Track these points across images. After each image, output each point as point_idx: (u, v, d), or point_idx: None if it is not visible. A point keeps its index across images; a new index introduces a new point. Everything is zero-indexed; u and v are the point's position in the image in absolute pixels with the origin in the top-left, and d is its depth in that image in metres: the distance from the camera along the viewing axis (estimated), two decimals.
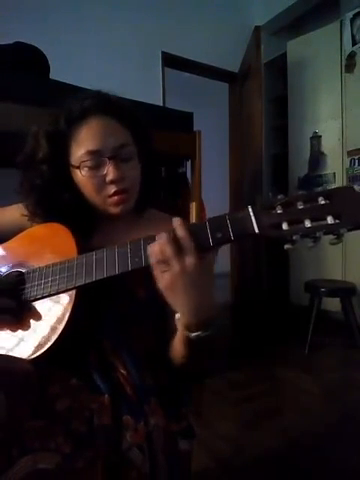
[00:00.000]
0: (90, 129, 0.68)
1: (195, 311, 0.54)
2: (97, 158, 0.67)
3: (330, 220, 0.46)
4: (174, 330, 0.61)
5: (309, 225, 0.47)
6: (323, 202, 0.47)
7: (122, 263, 0.57)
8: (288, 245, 0.49)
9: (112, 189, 0.68)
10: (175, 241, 0.51)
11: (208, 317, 0.55)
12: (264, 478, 1.23)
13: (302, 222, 0.48)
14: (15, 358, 0.60)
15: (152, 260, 0.52)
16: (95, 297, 0.64)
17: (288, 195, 0.50)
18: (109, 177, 0.67)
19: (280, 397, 1.78)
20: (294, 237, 0.48)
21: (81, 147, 0.68)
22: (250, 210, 0.51)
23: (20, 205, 0.79)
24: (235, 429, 1.48)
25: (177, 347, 0.62)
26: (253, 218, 0.50)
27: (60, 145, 0.70)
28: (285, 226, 0.48)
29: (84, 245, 0.68)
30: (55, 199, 0.72)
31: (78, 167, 0.68)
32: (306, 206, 0.48)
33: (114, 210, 0.71)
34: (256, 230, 0.49)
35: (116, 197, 0.69)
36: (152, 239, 0.55)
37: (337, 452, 1.33)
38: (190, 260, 0.50)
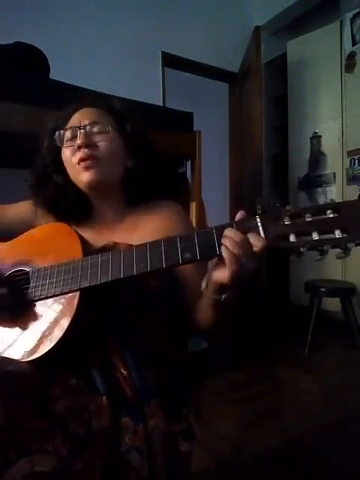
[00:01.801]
0: (74, 116, 0.77)
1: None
2: (74, 131, 0.75)
3: (338, 234, 0.46)
4: (198, 298, 0.64)
5: (317, 238, 0.47)
6: (331, 215, 0.47)
7: (127, 267, 0.57)
8: (294, 257, 0.49)
9: (79, 154, 0.73)
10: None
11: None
12: (264, 478, 1.23)
13: (310, 234, 0.48)
14: (12, 360, 0.60)
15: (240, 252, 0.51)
16: (103, 289, 0.63)
17: (294, 206, 0.50)
18: (77, 142, 0.73)
19: (280, 397, 1.78)
20: (301, 249, 0.48)
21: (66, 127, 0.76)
22: (258, 220, 0.51)
23: (27, 202, 0.84)
24: (235, 429, 1.48)
25: (204, 312, 0.64)
26: (261, 228, 0.50)
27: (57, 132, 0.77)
28: (293, 238, 0.48)
29: (83, 232, 0.72)
30: (51, 182, 0.79)
31: (61, 140, 0.75)
32: (314, 218, 0.48)
33: (83, 178, 0.74)
34: None
35: (83, 163, 0.73)
36: (157, 245, 0.56)
37: (337, 452, 1.33)
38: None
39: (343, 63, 2.72)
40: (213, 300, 0.58)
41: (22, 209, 0.86)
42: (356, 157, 2.68)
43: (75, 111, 0.78)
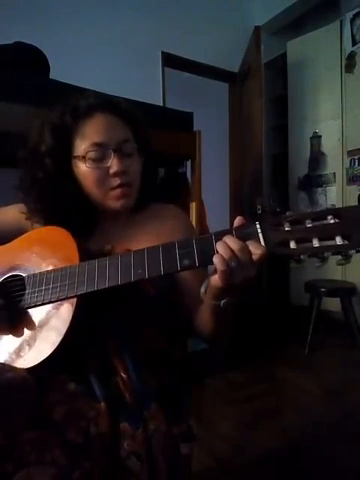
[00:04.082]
0: (95, 123, 0.70)
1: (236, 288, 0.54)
2: (102, 150, 0.69)
3: (339, 240, 0.45)
4: (199, 302, 0.62)
5: (317, 244, 0.46)
6: (332, 221, 0.46)
7: (125, 273, 0.56)
8: (294, 264, 0.48)
9: (115, 182, 0.70)
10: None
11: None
12: (264, 478, 1.23)
13: (310, 241, 0.47)
14: (10, 368, 0.59)
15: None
16: (102, 296, 0.62)
17: (294, 212, 0.50)
18: (113, 169, 0.69)
19: (280, 397, 1.77)
20: (302, 256, 0.47)
21: (86, 139, 0.69)
22: (257, 226, 0.50)
23: (19, 205, 0.79)
24: (235, 429, 1.48)
25: (205, 318, 0.63)
26: (260, 235, 0.50)
27: (64, 138, 0.71)
28: (293, 244, 0.47)
29: (85, 244, 0.67)
30: (56, 194, 0.72)
31: (83, 158, 0.69)
32: (315, 224, 0.47)
33: (114, 205, 0.71)
34: None
35: (119, 190, 0.70)
36: (155, 251, 0.55)
37: (337, 452, 1.33)
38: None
39: (343, 63, 2.72)
40: (212, 306, 0.57)
41: (14, 216, 0.80)
42: (356, 157, 2.68)
43: (89, 113, 0.70)
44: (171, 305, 0.71)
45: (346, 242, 0.45)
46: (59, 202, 0.72)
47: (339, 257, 0.47)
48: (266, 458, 1.31)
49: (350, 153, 2.72)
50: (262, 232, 0.50)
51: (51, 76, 1.47)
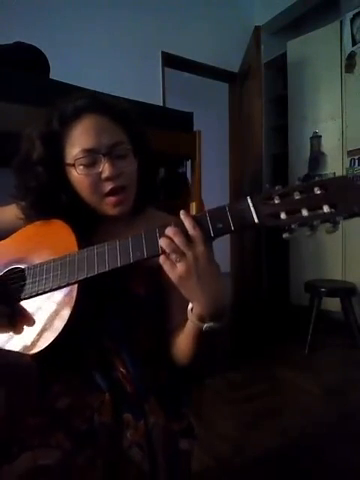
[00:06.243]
0: (84, 128, 0.68)
1: (210, 300, 0.54)
2: (92, 155, 0.67)
3: (326, 209, 0.48)
4: (179, 325, 0.61)
5: (306, 214, 0.49)
6: (319, 192, 0.49)
7: (124, 256, 0.58)
8: (286, 234, 0.50)
9: (108, 186, 0.68)
10: (184, 231, 0.54)
11: (221, 307, 0.56)
12: (264, 478, 1.23)
13: (299, 211, 0.49)
14: (16, 353, 0.60)
15: (167, 250, 0.53)
16: (97, 298, 0.64)
17: (283, 186, 0.52)
18: (105, 174, 0.67)
19: (280, 397, 1.77)
20: (292, 226, 0.49)
21: (75, 146, 0.67)
22: (249, 201, 0.52)
23: (16, 209, 0.78)
24: (235, 429, 1.48)
25: (184, 342, 0.62)
26: (252, 208, 0.52)
27: (54, 145, 0.69)
28: (283, 215, 0.50)
29: (84, 247, 0.67)
30: (51, 201, 0.71)
31: (73, 165, 0.67)
32: (303, 196, 0.50)
33: (112, 211, 0.70)
34: (255, 220, 0.51)
35: (114, 198, 0.68)
36: (152, 233, 0.56)
37: (337, 452, 1.33)
38: (200, 248, 0.53)
39: (343, 63, 2.72)
40: (196, 326, 0.57)
41: (12, 217, 0.79)
42: (356, 157, 2.68)
43: (76, 116, 0.68)
44: (160, 307, 0.71)
45: (333, 210, 0.48)
46: (55, 210, 0.72)
47: (328, 225, 0.49)
48: (266, 458, 1.31)
49: (350, 153, 2.72)
50: (254, 206, 0.52)
51: (51, 76, 1.47)
